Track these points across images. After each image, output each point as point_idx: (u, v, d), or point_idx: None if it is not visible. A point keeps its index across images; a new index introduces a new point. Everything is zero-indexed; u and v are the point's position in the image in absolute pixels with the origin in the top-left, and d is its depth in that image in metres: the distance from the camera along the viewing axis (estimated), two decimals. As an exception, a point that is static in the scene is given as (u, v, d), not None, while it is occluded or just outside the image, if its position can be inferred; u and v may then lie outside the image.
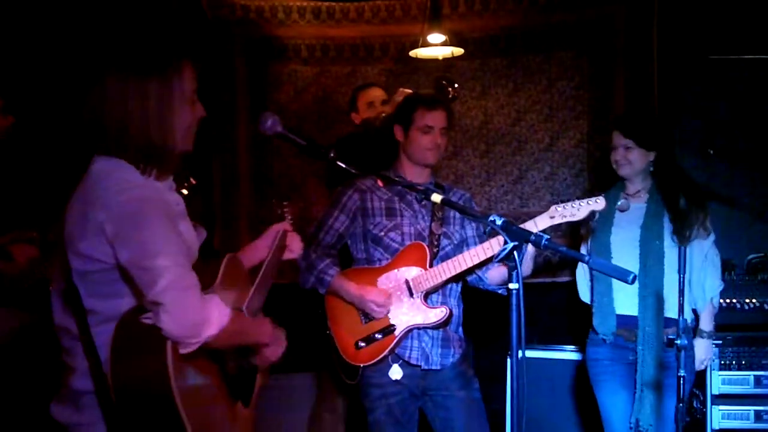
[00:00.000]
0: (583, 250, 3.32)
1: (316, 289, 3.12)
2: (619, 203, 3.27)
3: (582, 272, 3.41)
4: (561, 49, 4.44)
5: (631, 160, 3.21)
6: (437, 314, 3.04)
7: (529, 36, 4.46)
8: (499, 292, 3.10)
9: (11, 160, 3.43)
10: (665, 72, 4.31)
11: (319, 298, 3.16)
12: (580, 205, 2.90)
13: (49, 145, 3.91)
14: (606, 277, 3.17)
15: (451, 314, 3.06)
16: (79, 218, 1.84)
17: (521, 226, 2.45)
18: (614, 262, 3.15)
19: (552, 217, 2.92)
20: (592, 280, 3.31)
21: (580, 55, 4.44)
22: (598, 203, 2.89)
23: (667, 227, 3.17)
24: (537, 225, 2.93)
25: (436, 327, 3.06)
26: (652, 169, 3.23)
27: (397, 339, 3.02)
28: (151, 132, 1.88)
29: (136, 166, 1.89)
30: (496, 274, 3.09)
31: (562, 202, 2.92)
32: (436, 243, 3.11)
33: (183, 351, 1.81)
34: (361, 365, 3.04)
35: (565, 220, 2.92)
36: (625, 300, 3.16)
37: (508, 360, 3.79)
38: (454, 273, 2.99)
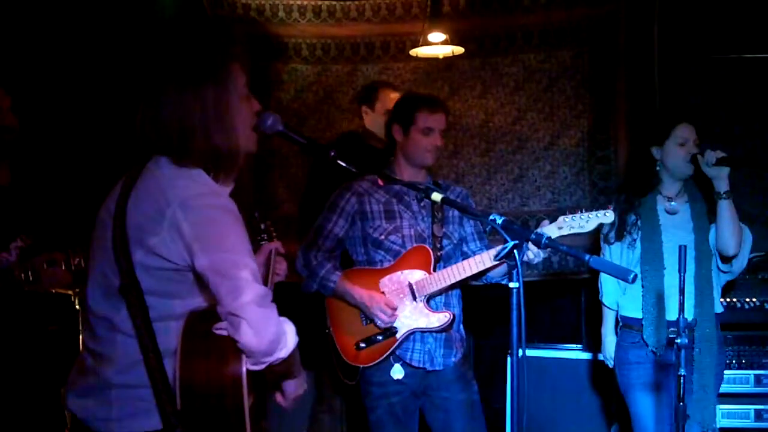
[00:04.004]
0: (628, 259, 3.27)
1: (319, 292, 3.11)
2: (667, 206, 3.25)
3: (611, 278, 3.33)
4: (562, 47, 4.44)
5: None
6: (440, 319, 3.02)
7: (530, 35, 4.45)
8: (503, 282, 3.08)
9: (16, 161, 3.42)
10: (666, 71, 4.31)
11: (318, 298, 3.15)
12: (588, 217, 2.89)
13: (52, 146, 3.92)
14: (656, 289, 3.13)
15: (454, 319, 3.04)
16: (150, 213, 1.83)
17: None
18: (667, 268, 3.14)
19: (560, 228, 2.90)
20: (643, 294, 3.19)
21: (580, 54, 4.43)
22: (607, 216, 2.89)
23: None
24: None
25: (438, 331, 3.05)
26: None
27: (398, 342, 3.01)
28: (214, 138, 1.89)
29: (207, 172, 1.90)
30: (496, 273, 3.08)
31: (570, 212, 2.91)
32: (439, 246, 3.10)
33: (252, 368, 1.81)
34: (361, 366, 3.03)
35: (573, 231, 2.90)
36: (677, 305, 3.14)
37: (509, 359, 3.81)
38: (458, 279, 2.98)
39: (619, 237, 3.27)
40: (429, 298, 3.05)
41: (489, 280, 3.13)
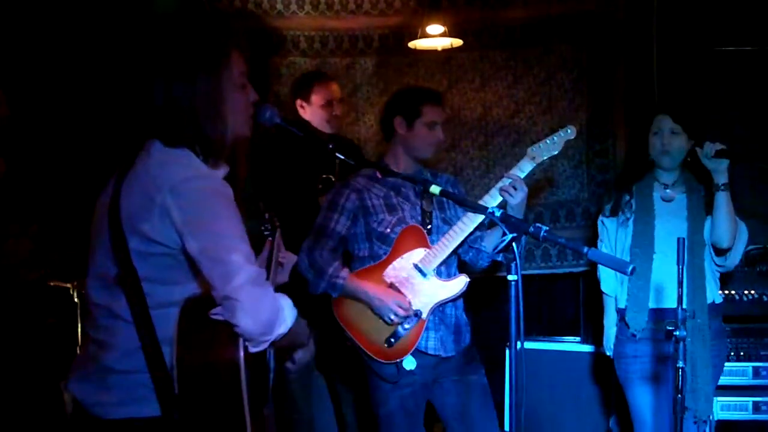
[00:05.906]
0: (622, 244, 3.28)
1: (327, 294, 3.09)
2: (663, 193, 3.26)
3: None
4: (560, 41, 4.43)
5: (675, 147, 3.19)
6: (459, 283, 3.05)
7: (529, 28, 4.44)
8: (499, 259, 3.09)
9: (7, 152, 3.42)
10: (665, 64, 4.30)
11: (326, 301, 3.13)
12: (554, 139, 3.07)
13: (45, 138, 3.91)
14: (645, 273, 3.14)
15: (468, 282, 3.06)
16: (141, 200, 1.84)
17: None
18: (657, 255, 3.16)
19: (533, 158, 3.04)
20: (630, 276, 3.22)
21: (579, 47, 4.42)
22: (569, 132, 3.09)
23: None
24: (522, 170, 3.03)
25: (459, 297, 3.07)
26: (689, 159, 3.23)
27: (427, 322, 3.02)
28: (204, 126, 1.90)
29: (197, 155, 1.91)
30: (492, 238, 3.10)
31: (535, 143, 3.09)
32: (428, 220, 3.11)
33: (254, 350, 1.81)
34: (399, 360, 3.01)
35: (546, 156, 3.06)
36: (672, 294, 3.14)
37: (507, 351, 3.81)
38: (459, 240, 3.00)
39: (614, 212, 3.30)
40: (437, 272, 3.05)
41: (486, 257, 3.15)
